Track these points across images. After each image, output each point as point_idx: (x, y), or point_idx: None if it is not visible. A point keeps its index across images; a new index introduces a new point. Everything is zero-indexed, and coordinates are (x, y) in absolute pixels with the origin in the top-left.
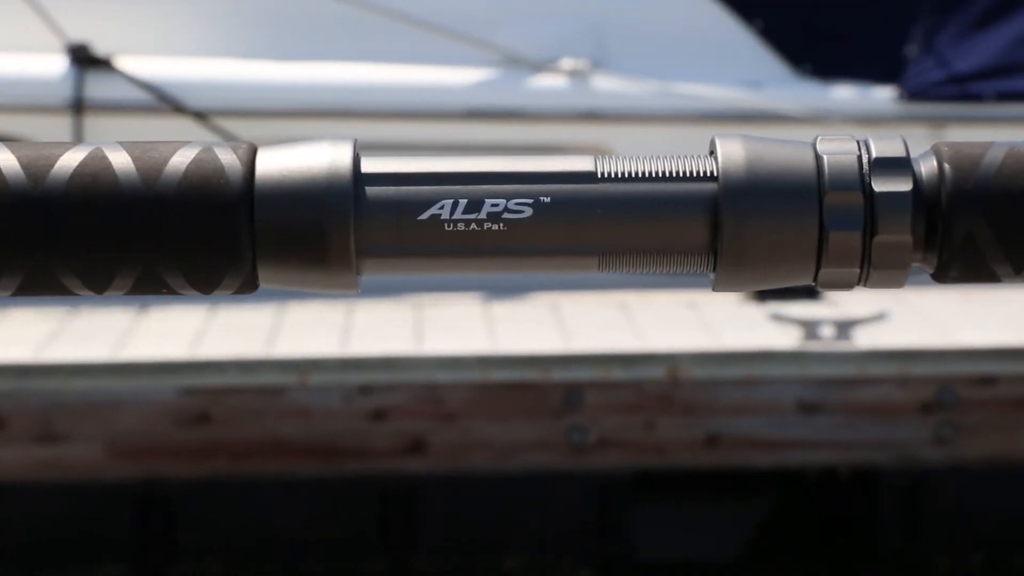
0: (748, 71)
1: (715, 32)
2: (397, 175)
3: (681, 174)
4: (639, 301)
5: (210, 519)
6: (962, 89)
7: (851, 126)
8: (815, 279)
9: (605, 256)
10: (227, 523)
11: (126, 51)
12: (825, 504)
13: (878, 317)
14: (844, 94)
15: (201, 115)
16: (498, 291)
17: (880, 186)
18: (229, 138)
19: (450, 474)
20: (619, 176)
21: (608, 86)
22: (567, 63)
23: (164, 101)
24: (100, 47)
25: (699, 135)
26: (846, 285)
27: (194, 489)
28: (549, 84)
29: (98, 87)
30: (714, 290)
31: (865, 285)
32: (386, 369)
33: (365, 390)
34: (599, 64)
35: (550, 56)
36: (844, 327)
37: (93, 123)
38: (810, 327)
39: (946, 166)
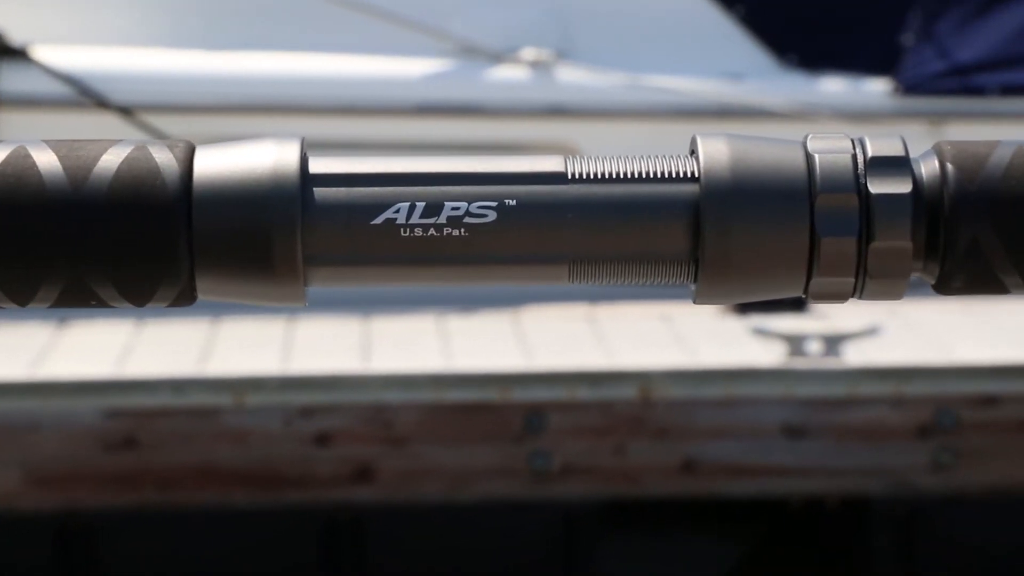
0: (728, 62)
1: (692, 19)
2: (348, 176)
3: (659, 175)
4: (608, 314)
5: (137, 553)
6: (964, 82)
7: (842, 122)
8: (805, 290)
9: (576, 265)
10: (156, 557)
11: (44, 40)
12: (812, 537)
13: (870, 331)
14: (834, 87)
15: (127, 111)
16: (454, 303)
17: (877, 188)
18: (159, 136)
19: (400, 504)
20: (591, 177)
21: (574, 78)
22: (529, 53)
23: (86, 95)
24: (15, 36)
25: (674, 132)
26: (840, 297)
27: (120, 520)
28: (509, 76)
29: (13, 79)
30: (695, 303)
31: (860, 297)
32: (330, 389)
33: (307, 412)
34: (564, 55)
35: (510, 46)
36: (833, 342)
37: (7, 119)
38: (796, 342)
39: (949, 166)
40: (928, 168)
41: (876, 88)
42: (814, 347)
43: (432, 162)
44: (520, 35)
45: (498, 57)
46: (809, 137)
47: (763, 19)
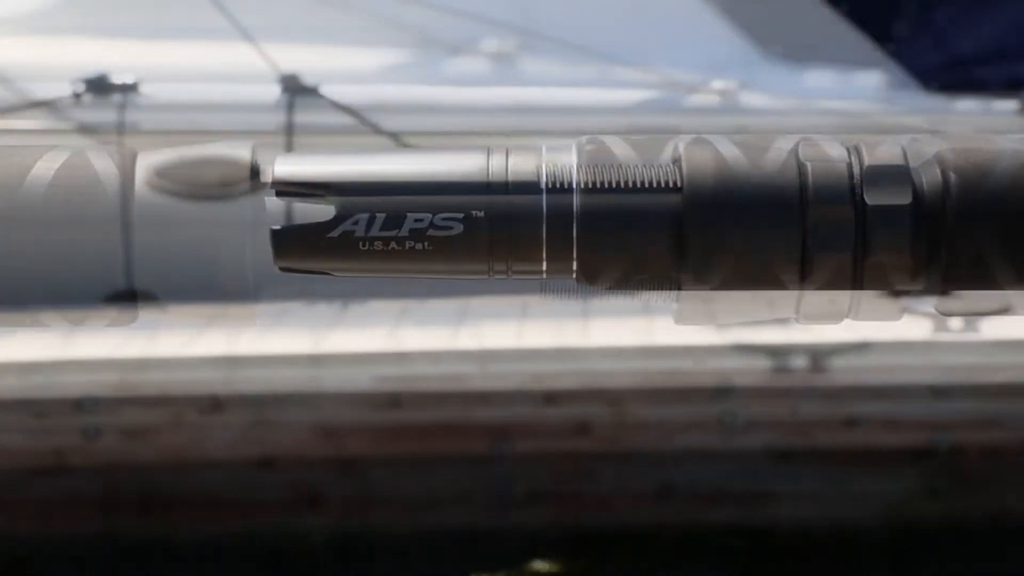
0: (708, 53)
1: (668, 7)
2: (303, 184)
3: (640, 185)
4: (578, 327)
5: None
6: (964, 75)
7: (831, 119)
8: (796, 311)
9: (548, 280)
10: None
11: None
12: (798, 568)
13: (860, 346)
14: (822, 82)
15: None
16: (410, 316)
17: (874, 199)
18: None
19: (352, 532)
20: (566, 187)
21: (539, 72)
22: (489, 45)
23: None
24: None
25: (650, 131)
26: (834, 317)
27: (51, 549)
28: (468, 70)
29: None
30: (676, 323)
31: (856, 317)
32: (276, 407)
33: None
34: (528, 46)
35: (469, 36)
36: (819, 357)
37: None
38: (780, 357)
39: (951, 175)
40: (929, 178)
41: (868, 82)
42: (799, 362)
43: (394, 169)
44: (480, 24)
45: (455, 49)
46: (800, 144)
47: (746, 7)
